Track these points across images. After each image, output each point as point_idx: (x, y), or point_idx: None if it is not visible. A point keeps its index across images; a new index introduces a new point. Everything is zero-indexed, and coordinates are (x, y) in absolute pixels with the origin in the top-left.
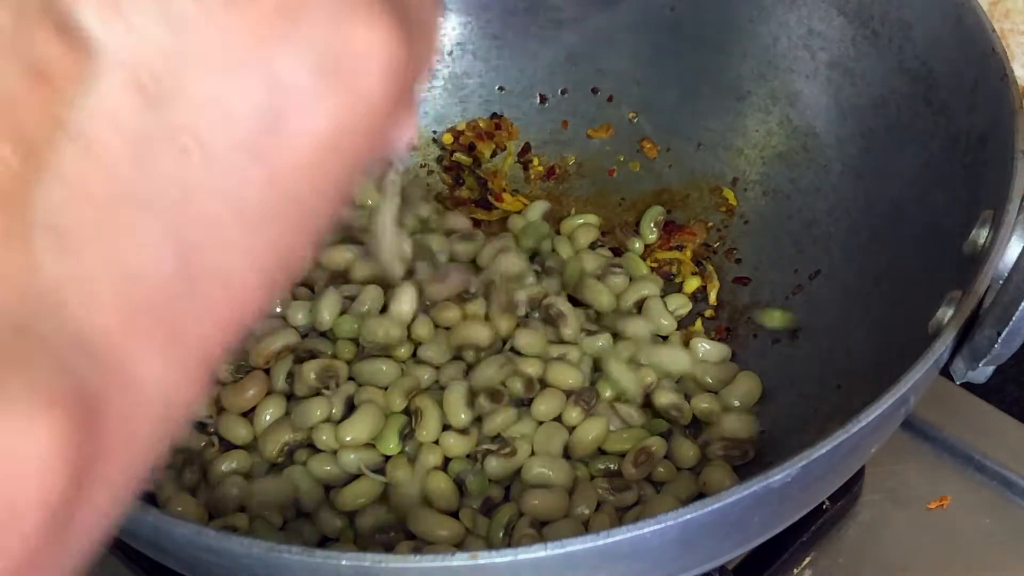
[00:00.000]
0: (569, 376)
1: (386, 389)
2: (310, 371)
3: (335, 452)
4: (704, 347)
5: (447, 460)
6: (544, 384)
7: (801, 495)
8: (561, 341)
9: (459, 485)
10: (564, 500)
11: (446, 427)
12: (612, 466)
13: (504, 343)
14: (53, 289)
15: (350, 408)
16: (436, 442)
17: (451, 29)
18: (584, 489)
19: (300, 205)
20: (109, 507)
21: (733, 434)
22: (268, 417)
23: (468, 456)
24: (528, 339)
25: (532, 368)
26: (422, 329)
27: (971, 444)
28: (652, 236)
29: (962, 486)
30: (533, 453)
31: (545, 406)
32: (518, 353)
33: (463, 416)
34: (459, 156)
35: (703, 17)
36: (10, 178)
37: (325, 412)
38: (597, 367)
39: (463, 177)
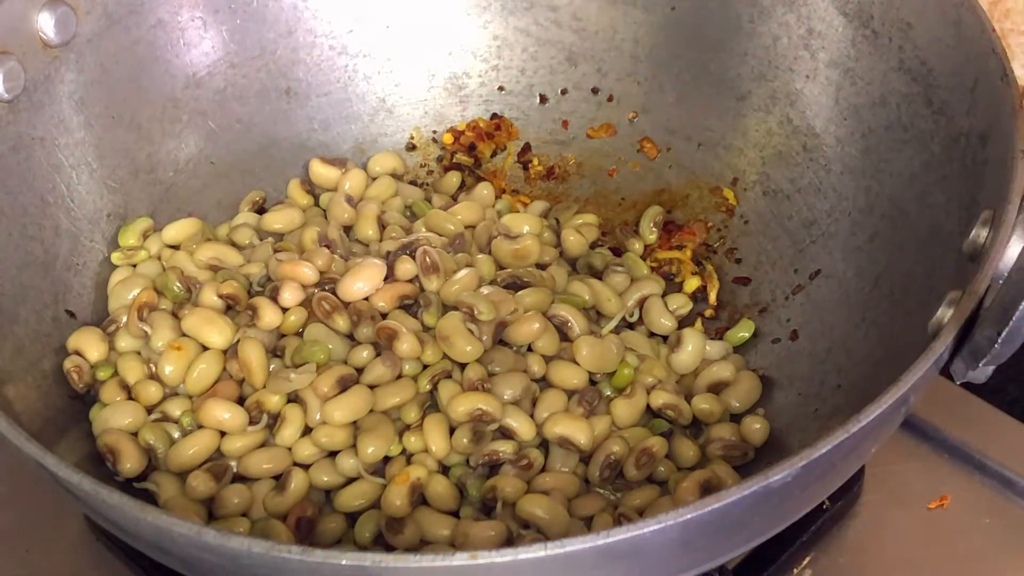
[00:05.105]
0: (573, 376)
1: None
2: None
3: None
4: (706, 347)
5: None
6: (548, 384)
7: (801, 495)
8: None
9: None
10: (565, 502)
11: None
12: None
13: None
14: None
15: None
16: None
17: (451, 29)
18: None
19: None
20: None
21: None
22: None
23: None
24: (544, 341)
25: (536, 366)
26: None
27: (971, 444)
28: (652, 236)
29: (962, 486)
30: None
31: (548, 411)
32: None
33: (465, 441)
34: (460, 157)
35: (703, 17)
36: None
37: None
38: None
39: (463, 178)
